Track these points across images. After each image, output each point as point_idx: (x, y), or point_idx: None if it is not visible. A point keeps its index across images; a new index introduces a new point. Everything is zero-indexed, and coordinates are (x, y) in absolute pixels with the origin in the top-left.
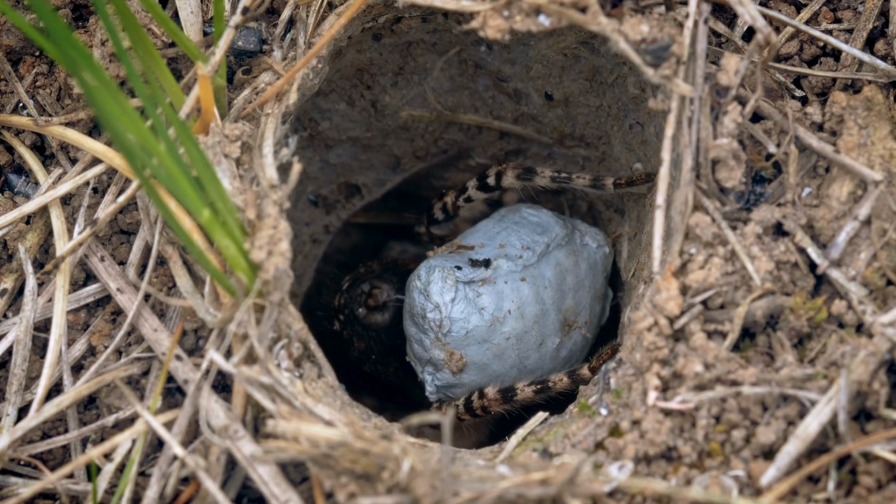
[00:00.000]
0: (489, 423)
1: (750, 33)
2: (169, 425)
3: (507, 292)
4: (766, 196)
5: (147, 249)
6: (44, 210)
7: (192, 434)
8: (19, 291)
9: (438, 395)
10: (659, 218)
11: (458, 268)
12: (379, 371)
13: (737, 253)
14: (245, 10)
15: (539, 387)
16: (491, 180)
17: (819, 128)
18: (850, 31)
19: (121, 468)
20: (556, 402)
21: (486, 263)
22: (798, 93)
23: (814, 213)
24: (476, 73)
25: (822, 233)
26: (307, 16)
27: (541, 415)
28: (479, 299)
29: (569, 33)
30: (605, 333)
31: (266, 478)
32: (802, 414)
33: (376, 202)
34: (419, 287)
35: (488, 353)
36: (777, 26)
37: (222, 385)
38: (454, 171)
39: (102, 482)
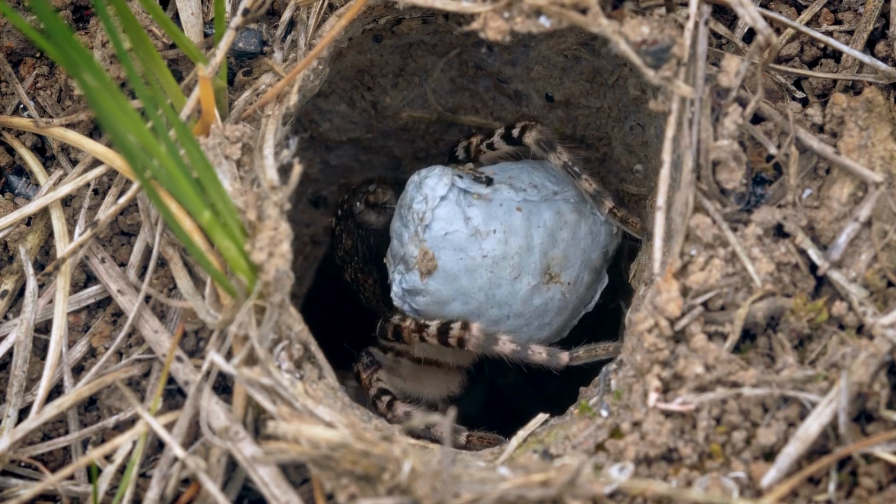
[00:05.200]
0: (459, 378)
1: (750, 35)
2: (169, 427)
3: (498, 213)
4: (766, 197)
5: (148, 251)
6: (44, 211)
7: (193, 435)
8: (20, 293)
9: (402, 302)
10: (659, 219)
11: (460, 176)
12: (358, 281)
13: (737, 254)
14: (246, 12)
15: (518, 348)
16: (516, 132)
17: (820, 129)
18: (850, 33)
19: (121, 469)
20: (557, 404)
21: (489, 181)
22: (799, 94)
23: (814, 214)
24: (477, 74)
25: (822, 234)
26: (308, 17)
27: (541, 416)
28: (468, 209)
29: (569, 35)
30: (594, 331)
31: (267, 479)
32: (803, 415)
33: None
34: (415, 180)
35: (460, 264)
36: (778, 28)
37: (223, 386)
38: (441, 144)
39: (103, 483)
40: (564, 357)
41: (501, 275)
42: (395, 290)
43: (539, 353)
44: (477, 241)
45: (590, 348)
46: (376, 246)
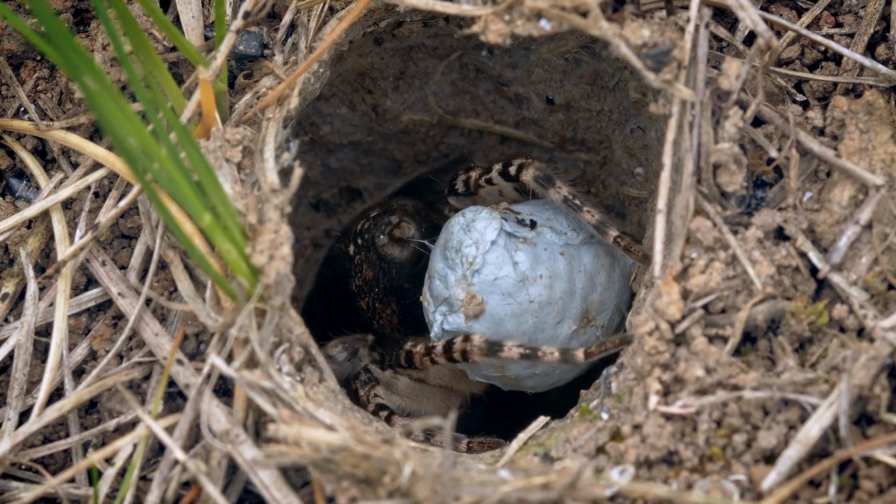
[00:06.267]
0: (460, 399)
1: (751, 38)
2: (170, 430)
3: (543, 258)
4: (767, 200)
5: (148, 254)
6: (45, 214)
7: (194, 438)
8: (20, 296)
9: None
10: (660, 222)
11: (505, 219)
12: (375, 309)
13: (738, 257)
14: (246, 15)
15: (527, 351)
16: (513, 169)
17: (820, 132)
18: (851, 36)
19: (122, 472)
20: (557, 406)
21: (533, 225)
22: (799, 97)
23: (815, 217)
24: (477, 77)
25: (823, 237)
26: (308, 20)
27: (542, 419)
28: (516, 253)
29: (570, 38)
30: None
31: (267, 482)
32: (803, 418)
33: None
34: (462, 223)
35: (508, 309)
36: (778, 31)
37: (223, 389)
38: (443, 175)
39: (104, 486)
40: (579, 354)
41: (546, 319)
42: (436, 331)
43: (551, 354)
44: (524, 287)
45: (602, 343)
46: (398, 278)
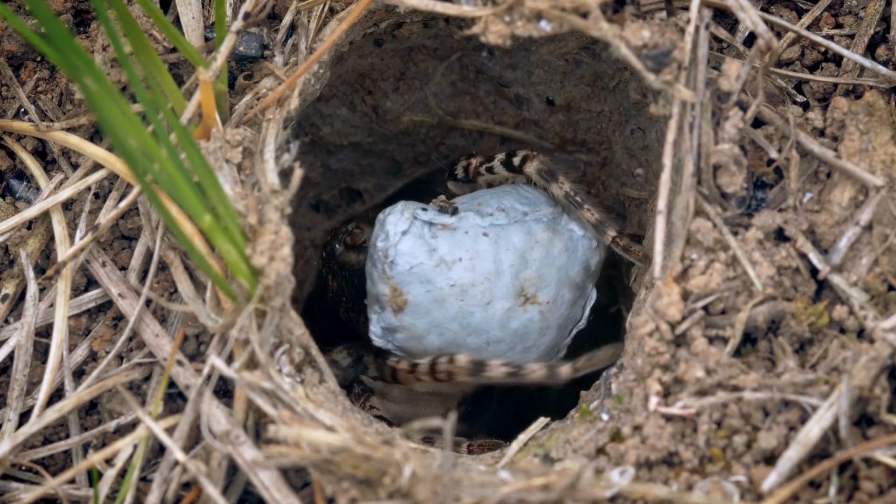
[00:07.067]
0: (453, 401)
1: (751, 39)
2: (170, 430)
3: (463, 241)
4: (767, 201)
5: (148, 255)
6: (45, 215)
7: (194, 439)
8: (21, 297)
9: (384, 342)
10: (660, 223)
11: (424, 209)
12: (351, 319)
13: (738, 258)
14: (247, 16)
15: (513, 370)
16: (517, 161)
17: (820, 133)
18: (851, 37)
19: (122, 473)
20: (557, 408)
21: (454, 211)
22: (799, 98)
23: (815, 218)
24: (477, 78)
25: (823, 238)
26: (308, 21)
27: (542, 420)
28: (433, 240)
29: (570, 38)
30: (597, 336)
31: (267, 483)
32: (804, 419)
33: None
34: (380, 219)
35: (429, 296)
36: (778, 31)
37: (224, 390)
38: (440, 158)
39: (104, 487)
40: (565, 370)
41: (472, 302)
42: (374, 329)
43: (536, 371)
44: (443, 271)
45: (590, 356)
46: (360, 285)
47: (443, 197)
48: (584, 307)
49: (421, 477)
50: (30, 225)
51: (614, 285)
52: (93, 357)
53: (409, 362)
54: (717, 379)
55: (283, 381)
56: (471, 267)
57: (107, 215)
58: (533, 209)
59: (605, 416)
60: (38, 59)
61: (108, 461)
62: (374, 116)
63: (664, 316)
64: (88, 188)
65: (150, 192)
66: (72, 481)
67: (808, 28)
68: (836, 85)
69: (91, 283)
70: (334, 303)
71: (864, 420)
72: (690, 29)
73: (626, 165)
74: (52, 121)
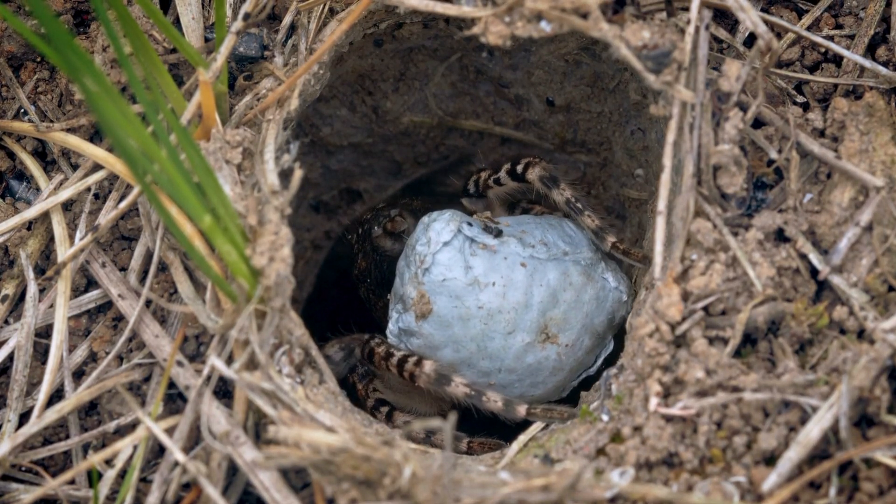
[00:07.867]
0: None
1: (751, 39)
2: (170, 431)
3: (500, 267)
4: (767, 202)
5: (148, 255)
6: (45, 216)
7: (194, 440)
8: (20, 297)
9: (398, 341)
10: (660, 224)
11: (469, 224)
12: (370, 301)
13: (738, 259)
14: (247, 16)
15: (473, 392)
16: (520, 168)
17: (820, 134)
18: (851, 37)
19: (122, 474)
20: None
21: (498, 233)
22: (799, 99)
23: (815, 218)
24: (477, 78)
25: (823, 239)
26: (308, 22)
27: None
28: (471, 258)
29: (570, 39)
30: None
31: (267, 484)
32: (804, 420)
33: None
34: (425, 221)
35: (455, 312)
36: (778, 32)
37: (223, 391)
38: (456, 176)
39: (104, 488)
40: (521, 410)
41: (495, 328)
42: (392, 327)
43: (494, 402)
44: (474, 291)
45: (547, 408)
46: (388, 272)
47: (488, 213)
48: (599, 356)
49: (421, 477)
50: (30, 225)
51: None
52: (93, 358)
53: (386, 348)
54: (717, 379)
55: (283, 382)
56: (502, 293)
57: (107, 216)
58: (574, 250)
59: (605, 417)
60: (38, 59)
61: (108, 462)
62: (374, 117)
63: (664, 316)
64: (88, 189)
65: (150, 192)
66: (72, 482)
67: (809, 29)
68: (836, 85)
69: (91, 283)
70: (358, 280)
71: (864, 421)
72: (690, 29)
73: (626, 166)
74: (51, 121)
